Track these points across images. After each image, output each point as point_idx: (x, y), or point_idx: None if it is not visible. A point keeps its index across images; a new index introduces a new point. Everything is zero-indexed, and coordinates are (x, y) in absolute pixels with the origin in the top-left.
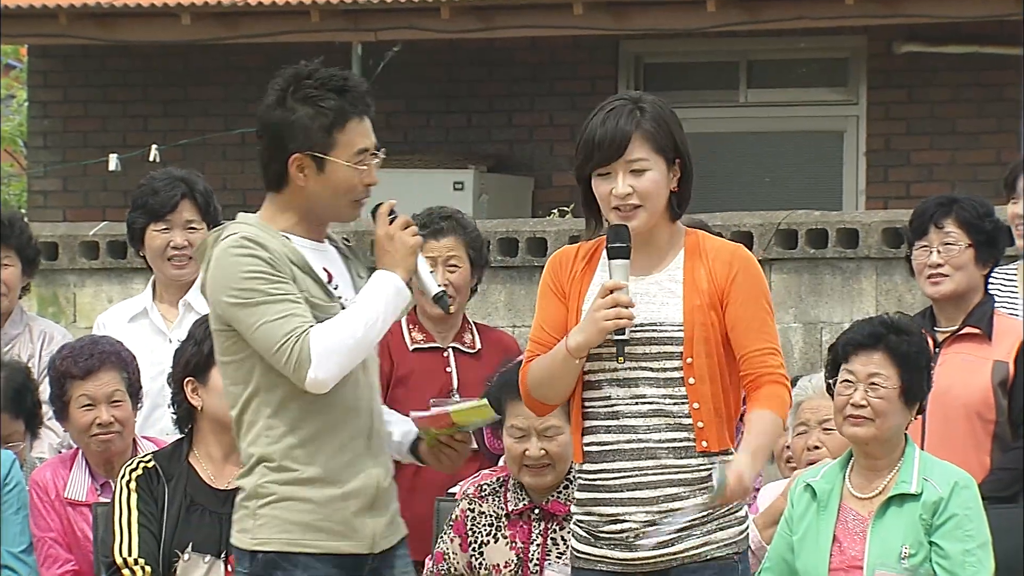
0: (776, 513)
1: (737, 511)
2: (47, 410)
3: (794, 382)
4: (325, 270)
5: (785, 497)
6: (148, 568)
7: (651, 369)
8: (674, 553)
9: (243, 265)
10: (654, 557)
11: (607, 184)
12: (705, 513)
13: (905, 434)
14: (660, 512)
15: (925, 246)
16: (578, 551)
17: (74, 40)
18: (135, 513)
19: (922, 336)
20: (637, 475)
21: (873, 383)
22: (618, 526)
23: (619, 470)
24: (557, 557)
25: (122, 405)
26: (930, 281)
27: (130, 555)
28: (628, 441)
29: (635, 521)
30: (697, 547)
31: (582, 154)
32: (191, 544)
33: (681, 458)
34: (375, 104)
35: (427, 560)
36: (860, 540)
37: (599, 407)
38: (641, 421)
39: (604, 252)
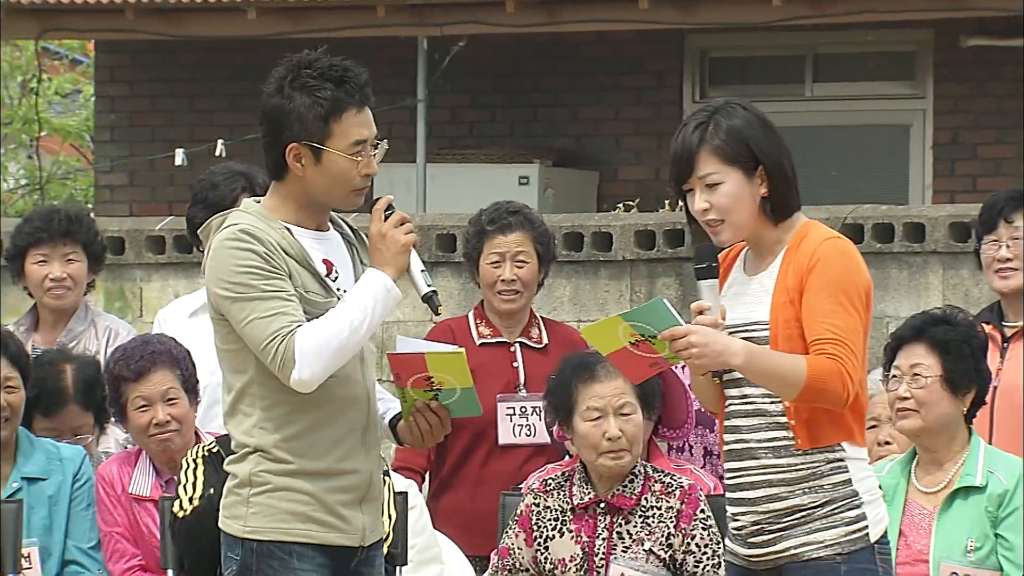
0: None
1: (845, 512)
2: None
3: None
4: (325, 261)
5: None
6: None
7: None
8: (777, 553)
9: (237, 259)
10: (763, 555)
11: (692, 200)
12: (805, 514)
13: (970, 428)
14: (763, 512)
15: (994, 240)
16: (725, 546)
17: (140, 35)
18: (200, 478)
19: (970, 326)
20: (742, 475)
21: (916, 374)
22: (736, 523)
23: (730, 470)
24: (623, 551)
25: (178, 403)
26: (999, 275)
27: (195, 492)
28: (736, 441)
29: (746, 521)
30: (796, 547)
31: (669, 172)
32: None
33: (780, 457)
34: (440, 99)
35: (492, 555)
36: (926, 534)
37: (725, 407)
38: (744, 421)
39: (739, 256)
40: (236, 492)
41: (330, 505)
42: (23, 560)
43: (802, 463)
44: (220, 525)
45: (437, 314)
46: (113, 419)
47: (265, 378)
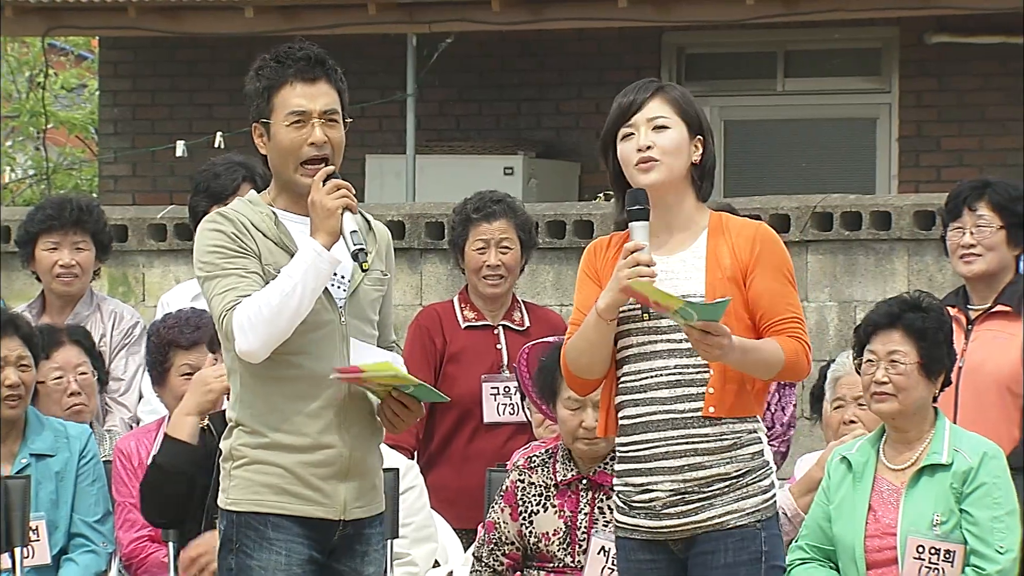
0: (811, 482)
1: (761, 481)
2: (118, 386)
3: (831, 362)
4: None
5: (820, 466)
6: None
7: (675, 341)
8: (699, 522)
9: (207, 239)
10: (680, 525)
11: (630, 143)
12: (728, 483)
13: (935, 407)
14: (685, 481)
15: (959, 227)
16: (617, 520)
17: (143, 32)
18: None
19: (941, 312)
20: (664, 445)
21: (893, 360)
22: (648, 495)
23: (648, 441)
24: (604, 526)
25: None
26: (963, 261)
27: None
28: (656, 413)
29: (662, 490)
30: (721, 516)
31: (608, 120)
32: None
33: (705, 427)
34: (429, 93)
35: (479, 528)
36: (894, 509)
37: (630, 381)
38: (668, 392)
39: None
40: (223, 466)
41: (305, 478)
42: (31, 533)
43: (726, 432)
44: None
45: (364, 270)
46: (124, 392)
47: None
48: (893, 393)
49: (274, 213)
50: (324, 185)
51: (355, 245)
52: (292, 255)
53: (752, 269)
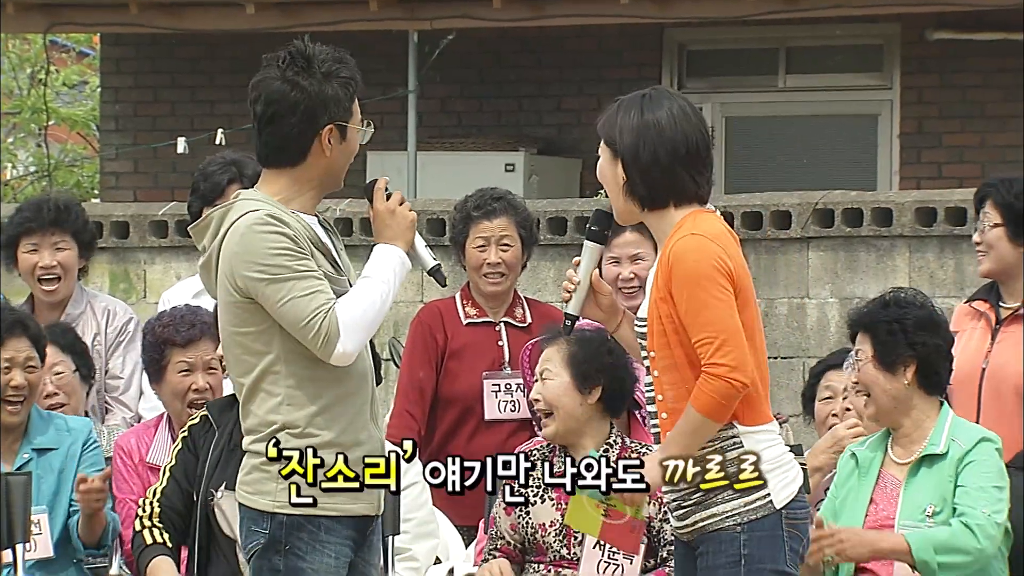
0: (810, 469)
1: None
2: (117, 384)
3: (820, 361)
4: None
5: (815, 455)
6: (157, 509)
7: (651, 359)
8: (688, 526)
9: (270, 242)
10: (681, 527)
11: None
12: (704, 491)
13: (941, 401)
14: (676, 490)
15: (976, 227)
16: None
17: (144, 29)
18: (173, 462)
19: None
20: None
21: (858, 359)
22: (667, 499)
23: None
24: None
25: (216, 374)
26: (978, 260)
27: (153, 496)
28: (653, 426)
29: (669, 497)
30: (702, 520)
31: None
32: (225, 483)
33: None
34: (430, 90)
35: (480, 524)
36: (894, 501)
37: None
38: (654, 407)
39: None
40: (263, 469)
41: (356, 475)
42: (33, 526)
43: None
44: (243, 501)
45: (444, 286)
46: (124, 392)
47: (292, 356)
48: (866, 392)
49: (297, 214)
50: (388, 196)
51: (433, 260)
52: (325, 254)
53: (670, 287)
